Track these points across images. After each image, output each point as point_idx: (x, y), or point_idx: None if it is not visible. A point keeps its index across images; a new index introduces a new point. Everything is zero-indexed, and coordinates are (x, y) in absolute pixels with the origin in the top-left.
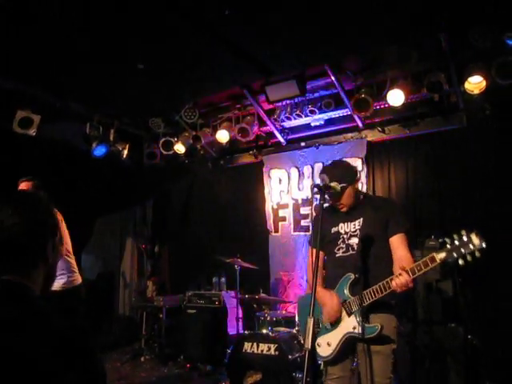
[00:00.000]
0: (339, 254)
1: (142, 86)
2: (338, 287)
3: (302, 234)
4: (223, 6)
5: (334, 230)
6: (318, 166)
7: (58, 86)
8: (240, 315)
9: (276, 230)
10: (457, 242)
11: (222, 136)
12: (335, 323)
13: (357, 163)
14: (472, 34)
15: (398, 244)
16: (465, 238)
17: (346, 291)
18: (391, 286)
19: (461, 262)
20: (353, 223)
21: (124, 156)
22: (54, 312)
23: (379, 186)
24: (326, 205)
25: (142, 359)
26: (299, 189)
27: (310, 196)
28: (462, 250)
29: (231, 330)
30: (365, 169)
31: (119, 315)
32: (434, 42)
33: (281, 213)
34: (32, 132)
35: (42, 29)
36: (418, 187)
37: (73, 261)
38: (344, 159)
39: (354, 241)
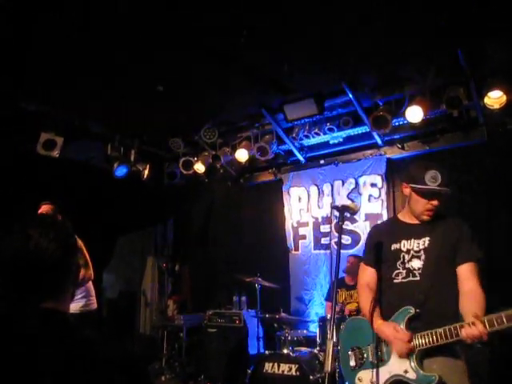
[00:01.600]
0: (398, 279)
1: (162, 107)
2: (394, 320)
3: (323, 252)
4: (241, 28)
5: (394, 246)
6: (338, 184)
7: (80, 108)
8: (261, 334)
9: (296, 249)
10: None
11: (242, 155)
12: (384, 360)
13: (377, 180)
14: (490, 48)
15: (468, 274)
16: None
17: (403, 326)
18: (460, 334)
19: None
20: (417, 241)
21: (145, 176)
22: (99, 341)
23: (399, 203)
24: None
25: (163, 378)
26: (319, 207)
27: (329, 214)
28: None
29: (252, 350)
30: (384, 186)
31: (140, 334)
32: (452, 56)
33: (301, 231)
34: (55, 154)
35: (65, 52)
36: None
37: (91, 285)
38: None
39: (416, 264)
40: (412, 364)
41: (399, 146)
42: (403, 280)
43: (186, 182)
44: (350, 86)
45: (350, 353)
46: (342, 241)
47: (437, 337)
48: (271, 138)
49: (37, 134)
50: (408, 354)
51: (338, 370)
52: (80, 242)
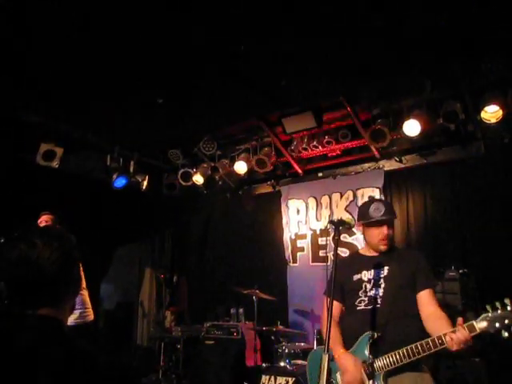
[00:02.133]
0: (361, 306)
1: (161, 119)
2: (358, 347)
3: (321, 264)
4: (239, 42)
5: (355, 277)
6: (336, 196)
7: (79, 119)
8: (258, 347)
9: (294, 261)
10: (499, 312)
11: (240, 167)
12: None
13: (375, 193)
14: (485, 63)
15: (428, 299)
16: (509, 308)
17: (367, 352)
18: (445, 341)
19: (506, 334)
20: (377, 271)
21: (144, 187)
22: (93, 350)
23: (397, 216)
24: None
25: None
26: (317, 219)
27: (327, 227)
28: (506, 321)
29: (249, 362)
30: (382, 198)
31: (137, 345)
32: (448, 71)
33: (299, 243)
34: (55, 164)
35: (65, 63)
36: (436, 217)
37: (86, 295)
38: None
39: (378, 292)
40: None
41: (397, 159)
42: (366, 307)
43: (185, 194)
44: (347, 98)
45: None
46: (340, 253)
47: (401, 357)
48: (270, 150)
49: (36, 146)
50: (373, 377)
51: None
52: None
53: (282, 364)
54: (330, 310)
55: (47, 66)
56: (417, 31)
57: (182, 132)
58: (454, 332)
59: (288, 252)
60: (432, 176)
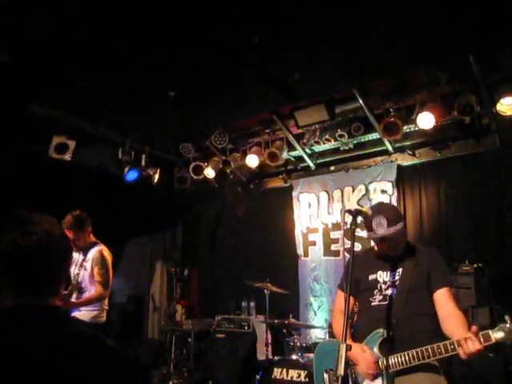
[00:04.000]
0: (375, 302)
1: (173, 112)
2: (367, 343)
3: (332, 258)
4: (253, 34)
5: (371, 277)
6: (348, 190)
7: (92, 112)
8: (269, 340)
9: (306, 255)
10: None
11: (252, 161)
12: (358, 382)
13: (387, 187)
14: (500, 55)
15: (445, 299)
16: None
17: (376, 349)
18: (457, 348)
19: None
20: (392, 273)
21: (155, 180)
22: (94, 334)
23: (410, 210)
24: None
25: (171, 383)
26: (329, 213)
27: (339, 220)
28: None
29: (260, 356)
30: (395, 193)
31: (148, 339)
32: (463, 63)
33: (310, 237)
34: (67, 157)
35: (76, 56)
36: (450, 211)
37: (106, 300)
38: (382, 202)
39: (392, 292)
40: (385, 383)
41: (410, 152)
42: (380, 303)
43: (196, 187)
44: (360, 92)
45: (324, 375)
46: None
47: (409, 358)
48: (282, 143)
49: (49, 139)
50: (376, 375)
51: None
52: (109, 258)
53: (293, 357)
54: (347, 302)
55: (60, 60)
56: (431, 23)
57: (194, 125)
58: (466, 340)
59: (299, 246)
60: (446, 170)
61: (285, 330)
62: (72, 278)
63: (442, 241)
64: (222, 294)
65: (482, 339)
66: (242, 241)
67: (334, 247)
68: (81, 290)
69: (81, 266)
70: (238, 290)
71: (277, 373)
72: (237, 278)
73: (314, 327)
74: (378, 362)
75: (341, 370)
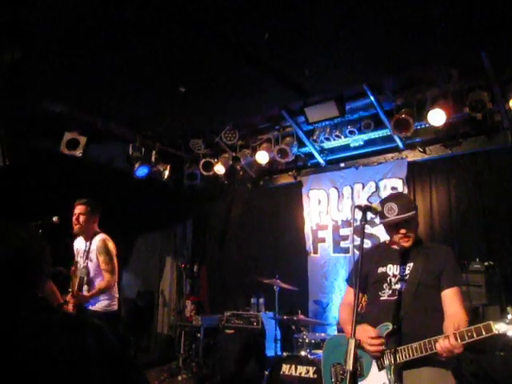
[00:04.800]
0: (384, 297)
1: (184, 108)
2: None
3: (342, 255)
4: (263, 30)
5: (380, 270)
6: (358, 187)
7: (102, 108)
8: (278, 337)
9: (315, 251)
10: None
11: (262, 157)
12: (363, 375)
13: (397, 184)
14: None
15: (451, 299)
16: None
17: (368, 327)
18: (435, 347)
19: None
20: (403, 267)
21: (165, 177)
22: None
23: (421, 208)
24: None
25: (180, 378)
26: (339, 210)
27: (349, 217)
28: None
29: (269, 352)
30: (405, 190)
31: (158, 334)
32: (476, 59)
33: (320, 234)
34: (78, 153)
35: (87, 55)
36: (460, 208)
37: (116, 288)
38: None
39: (402, 286)
40: (389, 377)
41: (421, 149)
42: (388, 298)
43: (206, 184)
44: (371, 88)
45: (331, 369)
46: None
47: (412, 351)
48: (292, 140)
49: (60, 135)
50: (382, 352)
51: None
52: (112, 246)
53: (302, 353)
54: (356, 297)
55: (71, 56)
56: (443, 19)
57: (204, 121)
58: (443, 339)
59: (309, 242)
60: (457, 167)
61: (294, 327)
62: (80, 272)
63: (452, 238)
64: (231, 290)
65: (458, 337)
66: (252, 237)
67: (343, 244)
68: (91, 283)
69: (87, 257)
70: (247, 286)
71: (285, 369)
72: (246, 274)
73: (323, 324)
74: (380, 336)
75: (350, 365)
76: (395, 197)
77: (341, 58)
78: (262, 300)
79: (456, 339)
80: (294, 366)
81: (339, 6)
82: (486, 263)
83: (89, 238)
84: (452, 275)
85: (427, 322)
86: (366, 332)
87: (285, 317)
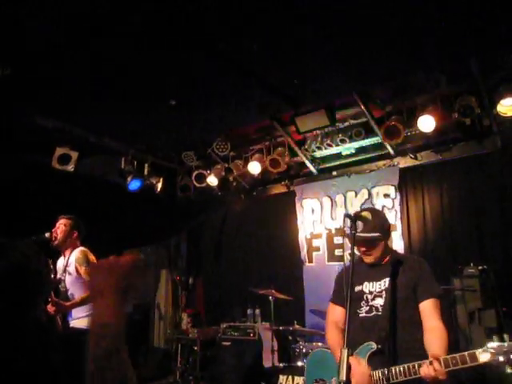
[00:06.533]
0: (362, 314)
1: (175, 121)
2: (357, 354)
3: (337, 263)
4: (251, 41)
5: (357, 288)
6: (351, 195)
7: (94, 123)
8: (275, 347)
9: (310, 261)
10: (506, 345)
11: (254, 168)
12: None
13: (390, 191)
14: (501, 57)
15: (429, 311)
16: None
17: (364, 362)
18: (419, 372)
19: (510, 370)
20: (378, 283)
21: (158, 189)
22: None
23: (413, 213)
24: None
25: None
26: (332, 218)
27: (344, 221)
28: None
29: (266, 363)
30: (398, 196)
31: (154, 347)
32: (463, 65)
33: (314, 243)
34: (70, 168)
35: (79, 68)
36: (453, 213)
37: None
38: (377, 208)
39: (379, 302)
40: None
41: (412, 155)
42: (367, 314)
43: (199, 195)
44: (360, 96)
45: None
46: (356, 252)
47: (396, 373)
48: (283, 150)
49: (52, 150)
50: None
51: None
52: (93, 258)
53: (299, 364)
54: (347, 309)
55: (62, 71)
56: (431, 26)
57: (196, 133)
58: (428, 365)
59: (304, 252)
60: (448, 172)
61: (290, 337)
62: (61, 286)
63: (446, 243)
64: (227, 302)
65: (442, 364)
66: (246, 248)
67: (337, 252)
68: (72, 297)
69: (64, 271)
70: (242, 297)
71: (282, 380)
72: (241, 285)
73: (319, 334)
74: (372, 375)
75: (343, 376)
76: (369, 212)
77: (330, 68)
78: (258, 311)
79: (440, 365)
80: (291, 377)
81: (327, 16)
82: (479, 267)
83: (68, 253)
84: (427, 287)
85: (410, 338)
86: (360, 368)
87: (281, 327)
